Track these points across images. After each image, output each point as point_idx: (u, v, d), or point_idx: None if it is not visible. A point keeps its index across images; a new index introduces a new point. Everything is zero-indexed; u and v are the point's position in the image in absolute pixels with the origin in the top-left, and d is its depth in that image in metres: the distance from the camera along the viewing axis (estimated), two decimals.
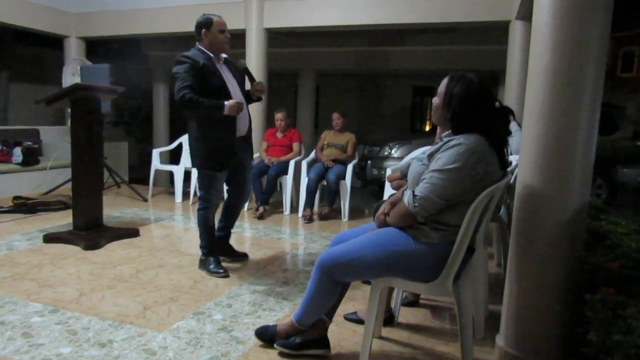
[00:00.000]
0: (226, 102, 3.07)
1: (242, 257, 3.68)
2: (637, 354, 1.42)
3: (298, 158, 5.58)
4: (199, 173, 3.33)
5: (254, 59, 6.11)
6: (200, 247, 3.44)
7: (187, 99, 3.02)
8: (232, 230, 3.66)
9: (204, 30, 3.20)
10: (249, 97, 3.45)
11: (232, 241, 3.90)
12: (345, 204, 5.30)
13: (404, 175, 3.39)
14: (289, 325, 2.25)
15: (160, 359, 2.16)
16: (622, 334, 1.51)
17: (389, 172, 4.58)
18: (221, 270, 3.30)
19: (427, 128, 14.50)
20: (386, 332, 2.54)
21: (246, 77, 3.41)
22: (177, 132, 7.72)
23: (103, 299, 2.81)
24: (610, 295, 1.74)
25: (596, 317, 1.69)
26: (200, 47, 3.23)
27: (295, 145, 5.63)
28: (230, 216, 3.59)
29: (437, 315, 2.84)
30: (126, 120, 11.69)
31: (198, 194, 3.28)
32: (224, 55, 3.35)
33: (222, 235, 3.59)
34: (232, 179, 3.45)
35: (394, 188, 3.78)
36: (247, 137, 3.43)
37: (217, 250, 3.46)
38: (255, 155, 5.74)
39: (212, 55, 3.23)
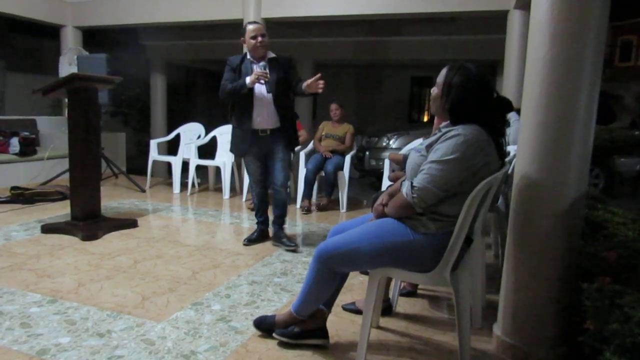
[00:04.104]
0: (247, 79, 3.44)
1: (291, 246, 3.72)
2: (633, 342, 1.43)
3: (300, 148, 5.56)
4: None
5: None
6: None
7: (221, 89, 3.56)
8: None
9: (242, 37, 3.63)
10: (287, 95, 3.68)
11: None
12: (343, 195, 5.30)
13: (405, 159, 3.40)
14: (287, 316, 2.25)
15: (159, 349, 2.17)
16: (619, 323, 1.52)
17: (387, 163, 4.58)
18: (245, 241, 3.81)
19: (426, 119, 14.47)
20: (384, 322, 2.55)
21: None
22: (175, 122, 7.70)
23: (101, 290, 2.82)
24: (608, 284, 1.74)
25: (593, 306, 1.70)
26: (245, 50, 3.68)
27: (302, 132, 5.68)
28: (272, 205, 3.82)
29: (435, 305, 2.85)
30: (124, 110, 11.65)
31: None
32: (271, 55, 3.64)
33: (272, 221, 3.89)
34: (267, 169, 3.77)
35: (391, 179, 3.78)
36: (280, 131, 3.63)
37: (273, 236, 3.87)
38: None
39: (249, 57, 3.62)
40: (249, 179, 3.87)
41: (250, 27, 3.57)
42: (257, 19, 6.09)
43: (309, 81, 3.39)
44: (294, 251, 3.66)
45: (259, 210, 3.88)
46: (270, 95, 3.55)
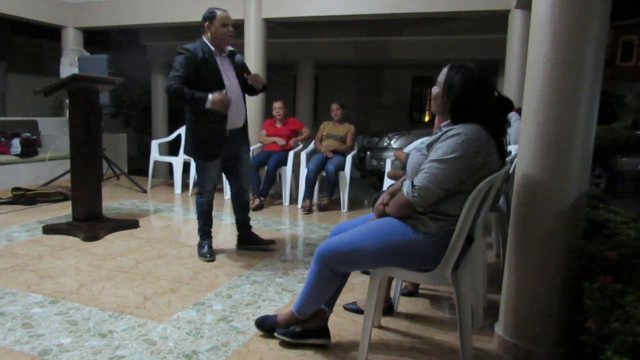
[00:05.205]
0: (209, 96, 3.08)
1: (268, 244, 3.72)
2: (634, 342, 1.43)
3: (302, 147, 5.57)
4: (194, 160, 3.52)
5: (253, 50, 6.08)
6: (198, 230, 3.57)
7: (172, 90, 3.14)
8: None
9: (207, 22, 3.25)
10: (252, 89, 3.46)
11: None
12: (344, 195, 5.30)
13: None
14: (289, 315, 2.26)
15: (160, 349, 2.17)
16: (620, 322, 1.51)
17: (388, 163, 4.58)
18: (207, 255, 3.43)
19: (426, 118, 14.46)
20: (386, 321, 2.55)
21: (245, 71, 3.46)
22: (176, 123, 7.71)
23: (103, 290, 2.82)
24: (609, 283, 1.74)
25: (594, 305, 1.70)
26: (204, 39, 3.29)
27: (304, 129, 5.75)
28: (237, 208, 3.67)
29: (436, 304, 2.85)
30: (125, 111, 11.66)
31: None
32: (230, 48, 3.39)
33: (238, 227, 3.73)
34: (229, 171, 3.57)
35: (390, 176, 3.78)
36: (243, 130, 3.47)
37: (243, 240, 3.70)
38: (256, 145, 5.73)
39: (213, 48, 3.27)
40: (204, 186, 3.42)
41: (221, 13, 3.23)
42: (258, 20, 6.10)
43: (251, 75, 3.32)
44: (272, 243, 3.69)
45: (209, 221, 3.54)
46: (239, 89, 3.32)
